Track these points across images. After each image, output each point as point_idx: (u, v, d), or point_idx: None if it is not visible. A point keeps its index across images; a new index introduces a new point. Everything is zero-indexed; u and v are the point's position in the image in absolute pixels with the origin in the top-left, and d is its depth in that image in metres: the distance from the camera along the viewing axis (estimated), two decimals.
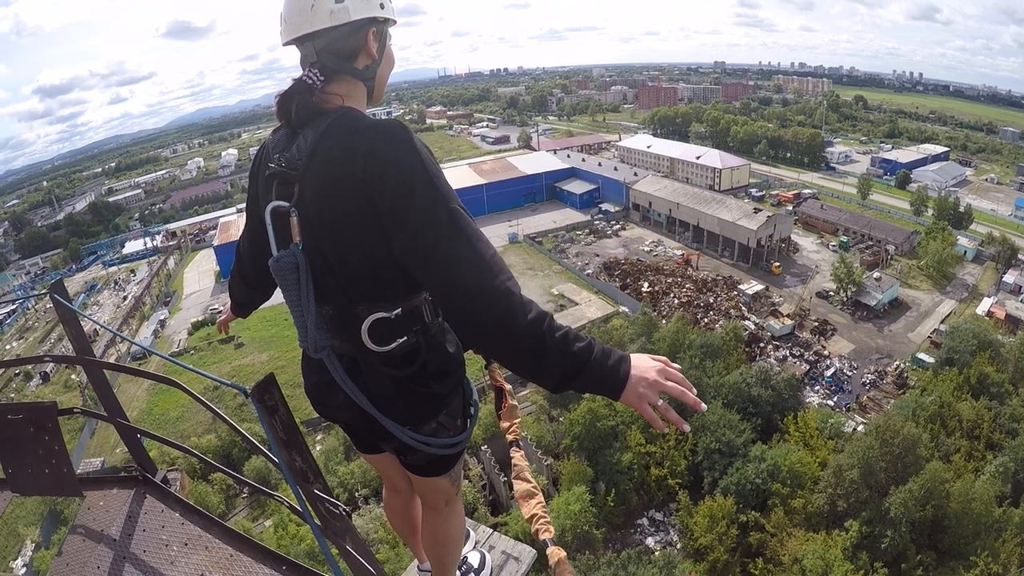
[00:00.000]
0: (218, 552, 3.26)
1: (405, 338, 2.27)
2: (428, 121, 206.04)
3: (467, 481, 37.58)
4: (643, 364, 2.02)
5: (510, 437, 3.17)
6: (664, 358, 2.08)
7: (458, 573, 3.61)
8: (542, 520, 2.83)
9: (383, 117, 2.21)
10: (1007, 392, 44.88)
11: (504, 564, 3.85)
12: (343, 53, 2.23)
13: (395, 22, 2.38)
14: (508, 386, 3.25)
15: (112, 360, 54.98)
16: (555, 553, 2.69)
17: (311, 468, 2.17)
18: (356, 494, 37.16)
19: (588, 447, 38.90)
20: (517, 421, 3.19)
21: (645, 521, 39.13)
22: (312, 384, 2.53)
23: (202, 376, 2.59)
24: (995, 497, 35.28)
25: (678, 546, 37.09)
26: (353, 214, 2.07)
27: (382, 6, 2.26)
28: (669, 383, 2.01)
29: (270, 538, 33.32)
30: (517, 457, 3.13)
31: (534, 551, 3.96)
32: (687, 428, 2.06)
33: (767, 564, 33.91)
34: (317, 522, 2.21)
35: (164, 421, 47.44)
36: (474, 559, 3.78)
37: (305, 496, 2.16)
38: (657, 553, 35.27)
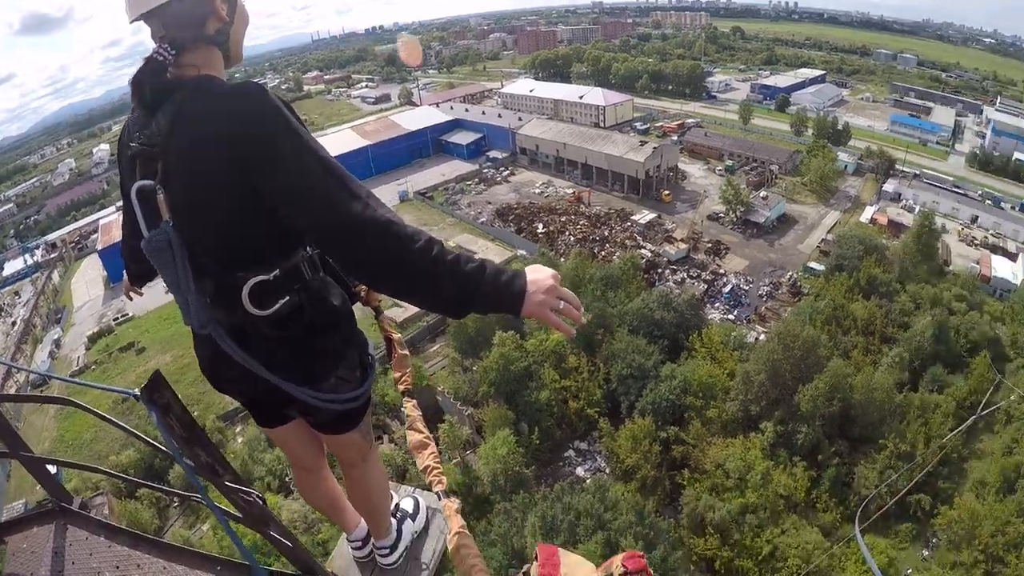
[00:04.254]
0: (150, 568, 3.19)
1: (288, 298, 2.25)
2: (305, 88, 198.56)
3: (392, 444, 37.40)
4: (537, 275, 2.08)
5: (401, 387, 3.18)
6: (550, 270, 2.13)
7: (393, 521, 3.61)
8: (435, 471, 2.87)
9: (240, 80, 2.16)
10: (895, 290, 48.14)
11: (437, 510, 3.88)
12: (192, 22, 2.15)
13: None
14: (397, 335, 3.23)
15: (13, 391, 52.24)
16: (448, 506, 2.73)
17: (218, 461, 2.15)
18: (287, 478, 36.35)
19: (505, 391, 39.12)
20: (407, 371, 3.19)
21: (572, 453, 39.86)
22: (207, 361, 2.48)
23: (95, 389, 2.64)
24: (895, 385, 38.13)
25: (607, 471, 37.98)
26: (219, 180, 2.04)
27: None
28: (565, 289, 2.10)
29: (210, 542, 32.46)
30: (409, 407, 3.17)
31: (459, 502, 3.85)
32: (584, 322, 2.24)
33: (693, 473, 35.32)
34: (238, 514, 2.25)
35: (78, 445, 45.16)
36: (407, 504, 3.84)
37: (220, 491, 2.17)
38: (588, 481, 35.84)
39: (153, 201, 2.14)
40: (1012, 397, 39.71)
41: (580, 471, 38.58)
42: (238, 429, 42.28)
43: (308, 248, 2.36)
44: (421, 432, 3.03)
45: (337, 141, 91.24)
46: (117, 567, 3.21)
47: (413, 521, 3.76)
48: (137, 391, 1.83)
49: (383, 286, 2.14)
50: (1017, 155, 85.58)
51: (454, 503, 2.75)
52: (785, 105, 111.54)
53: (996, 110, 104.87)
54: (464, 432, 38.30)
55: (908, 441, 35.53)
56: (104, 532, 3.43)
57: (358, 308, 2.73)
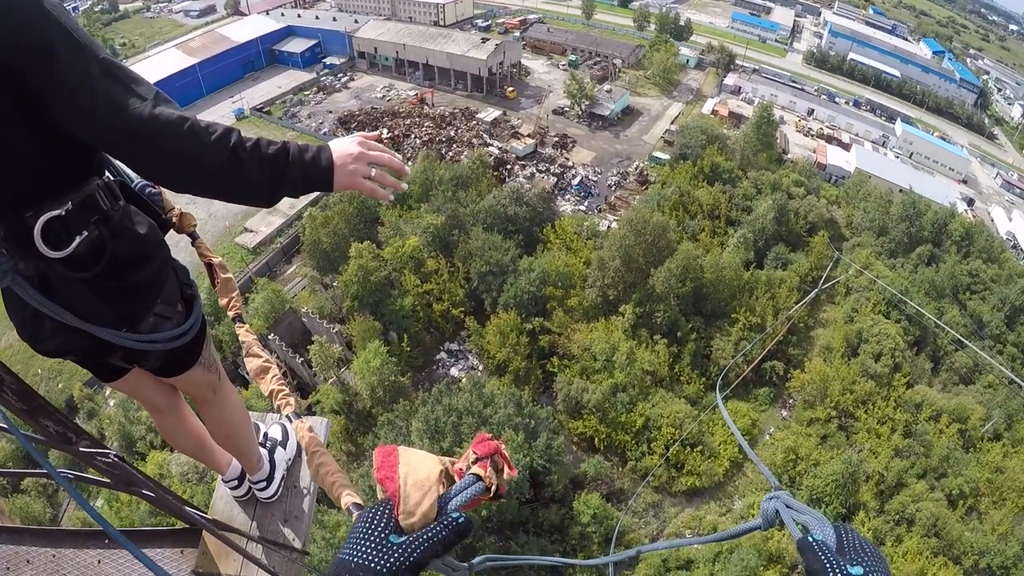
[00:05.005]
0: (40, 559, 3.09)
1: (86, 233, 1.99)
2: (121, 7, 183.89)
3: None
4: (341, 145, 2.05)
5: (232, 313, 3.02)
6: (359, 133, 2.17)
7: (264, 451, 3.53)
8: (282, 395, 2.80)
9: None
10: (737, 177, 50.71)
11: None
12: None
13: None
14: (218, 259, 3.02)
15: None
16: (299, 427, 2.69)
17: (69, 428, 2.02)
18: None
19: (368, 302, 39.10)
20: (235, 295, 3.02)
21: (444, 355, 40.64)
22: (18, 320, 2.21)
23: None
24: (742, 264, 40.79)
25: (480, 368, 39.02)
26: None
27: None
28: (373, 152, 2.08)
29: (108, 516, 30.56)
30: (242, 333, 3.03)
31: (327, 419, 3.96)
32: (405, 187, 2.27)
33: (562, 360, 36.88)
34: (105, 479, 2.20)
35: None
36: (275, 432, 3.77)
37: (76, 458, 2.07)
38: (464, 380, 37.01)
39: None
40: (850, 272, 43.21)
41: (455, 371, 39.61)
42: (107, 392, 40.11)
43: (105, 176, 2.15)
44: (259, 357, 2.90)
45: (161, 63, 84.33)
46: (8, 568, 3.08)
47: (284, 448, 3.68)
48: None
49: (186, 185, 1.93)
50: (852, 56, 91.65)
51: (304, 422, 2.69)
52: (628, 1, 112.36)
53: (834, 13, 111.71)
54: (335, 350, 38.08)
55: (758, 314, 38.21)
56: None
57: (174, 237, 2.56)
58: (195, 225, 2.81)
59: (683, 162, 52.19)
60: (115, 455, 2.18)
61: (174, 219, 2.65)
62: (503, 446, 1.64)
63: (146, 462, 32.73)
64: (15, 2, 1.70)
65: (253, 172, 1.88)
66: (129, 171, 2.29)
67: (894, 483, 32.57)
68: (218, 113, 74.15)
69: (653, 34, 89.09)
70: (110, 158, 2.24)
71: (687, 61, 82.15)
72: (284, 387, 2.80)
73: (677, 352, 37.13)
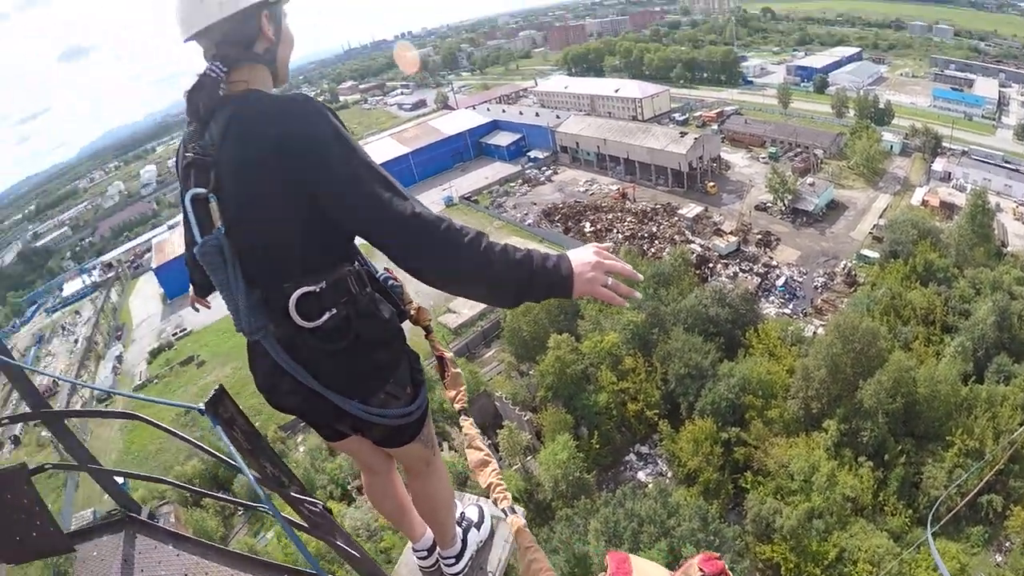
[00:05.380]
0: None
1: (335, 311, 2.29)
2: (341, 99, 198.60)
3: (454, 451, 37.60)
4: (580, 254, 2.20)
5: (457, 406, 3.14)
6: (593, 243, 2.27)
7: (459, 529, 3.63)
8: (499, 488, 2.86)
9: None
10: (953, 276, 46.16)
11: (501, 519, 3.80)
12: (241, 41, 2.30)
13: (287, 0, 2.46)
14: (449, 354, 3.18)
15: (79, 406, 53.77)
16: (514, 522, 2.74)
17: (284, 472, 2.20)
18: (348, 487, 37.00)
19: (563, 394, 38.97)
20: (462, 389, 3.12)
21: (633, 457, 39.66)
22: (260, 374, 2.53)
23: (159, 404, 2.62)
24: (959, 377, 36.34)
25: (668, 475, 37.60)
26: (271, 190, 2.14)
27: None
28: (608, 262, 2.20)
29: (275, 549, 33.25)
30: (467, 426, 3.13)
31: (522, 510, 3.71)
32: (639, 296, 2.33)
33: (756, 476, 34.62)
34: (303, 524, 2.25)
35: (144, 456, 46.65)
36: (472, 513, 3.85)
37: (285, 501, 2.19)
38: (651, 485, 35.67)
39: (206, 209, 2.23)
40: None
41: (641, 475, 38.40)
42: (299, 439, 43.36)
43: (355, 263, 2.45)
44: (481, 450, 3.03)
45: (378, 150, 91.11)
46: (186, 575, 3.26)
47: (478, 530, 3.75)
48: (202, 405, 1.88)
49: (439, 278, 2.18)
50: None
51: (520, 519, 2.77)
52: (824, 86, 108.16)
53: None
54: (524, 438, 38.29)
55: (976, 437, 33.77)
56: (172, 541, 3.49)
57: (407, 327, 2.76)
58: (431, 320, 3.02)
59: (894, 260, 49.02)
60: (322, 505, 2.35)
61: (412, 311, 2.86)
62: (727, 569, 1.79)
63: None
64: (298, 103, 2.15)
65: (502, 274, 2.10)
66: (375, 263, 2.71)
67: None
68: (429, 199, 77.59)
69: (853, 120, 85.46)
70: (359, 249, 2.55)
71: (891, 147, 77.46)
72: (501, 482, 2.90)
73: (883, 477, 33.67)
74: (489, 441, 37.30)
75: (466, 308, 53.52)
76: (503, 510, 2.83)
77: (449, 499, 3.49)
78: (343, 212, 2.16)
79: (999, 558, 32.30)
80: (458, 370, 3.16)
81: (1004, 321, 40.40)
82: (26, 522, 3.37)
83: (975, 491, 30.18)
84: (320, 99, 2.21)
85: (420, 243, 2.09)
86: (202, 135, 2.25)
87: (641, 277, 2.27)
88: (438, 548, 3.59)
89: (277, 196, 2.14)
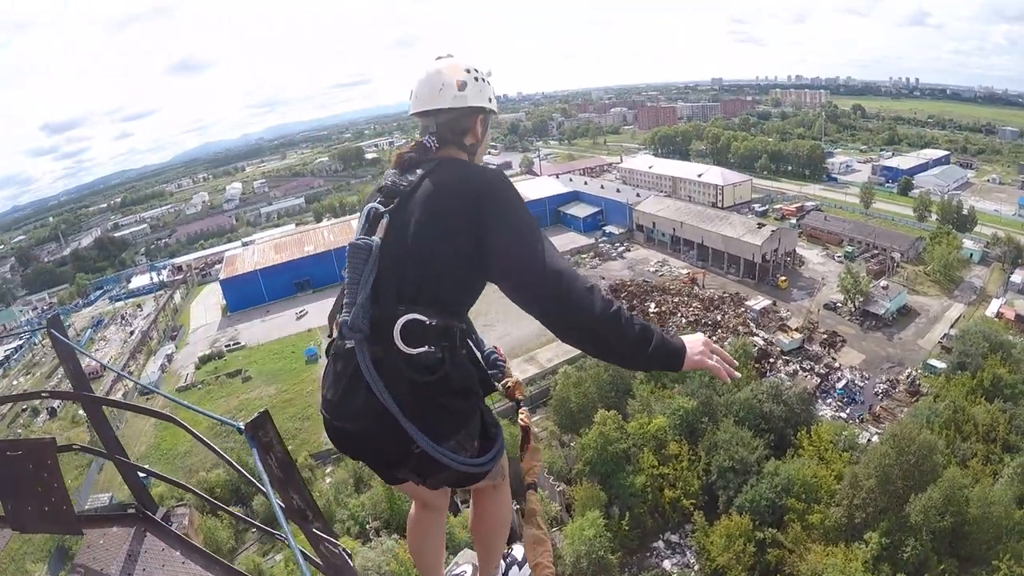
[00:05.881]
0: None
1: (433, 348, 2.42)
2: None
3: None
4: (691, 337, 2.51)
5: (529, 479, 3.20)
6: (701, 333, 2.60)
7: (503, 564, 3.74)
8: (547, 571, 2.91)
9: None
10: (1021, 393, 44.36)
11: None
12: (456, 130, 2.74)
13: (497, 114, 2.89)
14: (535, 429, 3.29)
15: (119, 396, 54.91)
16: None
17: (310, 507, 2.20)
18: (367, 526, 36.71)
19: (600, 471, 38.57)
20: (537, 464, 3.23)
21: (661, 544, 38.68)
22: (333, 388, 2.57)
23: (199, 413, 2.61)
24: (1014, 500, 34.95)
25: (695, 568, 36.65)
26: (449, 220, 2.45)
27: (491, 100, 2.80)
28: (714, 347, 2.52)
29: (280, 574, 33.15)
30: (533, 500, 3.15)
31: None
32: (739, 376, 2.62)
33: None
34: (319, 560, 2.24)
35: (172, 456, 47.27)
36: (519, 553, 3.87)
37: (304, 535, 2.20)
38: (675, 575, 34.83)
39: (377, 222, 2.55)
40: None
41: (667, 564, 37.43)
42: (328, 470, 43.10)
43: (463, 324, 2.62)
44: (540, 528, 3.07)
45: None
46: None
47: (519, 569, 3.81)
48: (242, 425, 1.91)
49: (573, 332, 2.42)
50: None
51: None
52: (908, 188, 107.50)
53: None
54: (553, 508, 37.71)
55: None
56: (181, 547, 3.52)
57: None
58: (523, 396, 3.21)
59: (961, 373, 47.26)
60: (343, 549, 2.40)
61: (510, 384, 3.10)
62: None
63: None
64: (493, 170, 2.59)
65: (629, 339, 2.35)
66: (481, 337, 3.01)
67: None
68: None
69: (934, 225, 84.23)
70: (472, 322, 2.84)
71: (971, 255, 75.57)
72: (551, 565, 2.98)
73: None
74: (517, 507, 36.95)
75: (517, 371, 52.86)
76: None
77: (507, 523, 3.53)
78: (503, 256, 2.43)
79: None
80: (539, 445, 3.30)
81: None
82: (42, 496, 3.57)
83: None
84: None
85: (562, 299, 2.34)
86: (402, 175, 2.63)
87: (738, 364, 2.60)
88: (479, 573, 3.68)
89: (451, 225, 2.45)
